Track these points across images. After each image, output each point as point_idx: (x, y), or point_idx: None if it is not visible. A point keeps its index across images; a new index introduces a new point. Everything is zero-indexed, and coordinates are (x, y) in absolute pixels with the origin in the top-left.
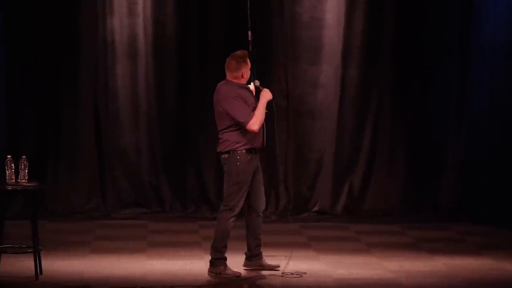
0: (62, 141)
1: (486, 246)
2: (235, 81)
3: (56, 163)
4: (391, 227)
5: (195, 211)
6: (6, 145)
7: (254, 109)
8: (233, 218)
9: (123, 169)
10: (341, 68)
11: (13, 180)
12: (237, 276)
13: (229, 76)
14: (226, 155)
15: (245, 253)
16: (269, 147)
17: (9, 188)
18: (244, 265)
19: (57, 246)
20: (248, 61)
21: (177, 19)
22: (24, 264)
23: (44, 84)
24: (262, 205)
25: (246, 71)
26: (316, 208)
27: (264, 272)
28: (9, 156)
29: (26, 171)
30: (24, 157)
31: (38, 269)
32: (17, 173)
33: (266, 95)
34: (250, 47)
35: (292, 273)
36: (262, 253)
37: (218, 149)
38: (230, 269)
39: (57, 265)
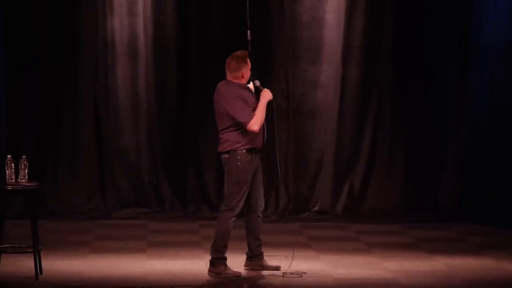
0: (62, 141)
1: (486, 246)
2: (236, 81)
3: (56, 163)
4: (391, 227)
5: (195, 211)
6: (6, 145)
7: (254, 109)
8: (234, 218)
9: (123, 169)
10: (341, 68)
11: (13, 180)
12: (237, 276)
13: (229, 76)
14: (226, 155)
15: (246, 253)
16: (269, 147)
17: (9, 188)
18: (245, 265)
19: (57, 246)
20: (248, 61)
21: (177, 19)
22: (24, 264)
23: (44, 84)
24: (261, 206)
25: (246, 71)
26: (316, 208)
27: (265, 272)
28: (9, 156)
29: (26, 171)
30: (24, 157)
31: (38, 269)
32: (17, 173)
33: (267, 95)
34: (250, 46)
35: (292, 273)
36: (263, 253)
37: (219, 149)
38: (230, 269)
39: (57, 265)
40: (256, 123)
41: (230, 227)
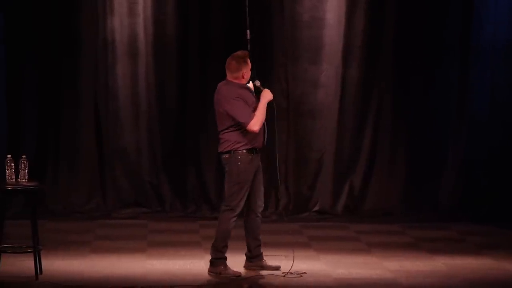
0: (62, 141)
1: (486, 245)
2: (236, 81)
3: (56, 163)
4: (391, 227)
5: (195, 210)
6: (6, 145)
7: (255, 109)
8: (235, 218)
9: (124, 169)
10: (341, 68)
11: (13, 180)
12: (237, 275)
13: (229, 77)
14: (227, 155)
15: (246, 254)
16: (270, 147)
17: (9, 187)
18: (245, 266)
19: (57, 245)
20: (249, 61)
21: (178, 19)
22: (24, 264)
23: (44, 84)
24: (261, 206)
25: (247, 72)
26: (316, 208)
27: (265, 272)
28: (9, 156)
29: (26, 170)
30: (24, 156)
31: (38, 269)
32: (17, 172)
33: (267, 95)
34: (249, 46)
35: (292, 273)
36: (263, 254)
37: (219, 150)
38: (230, 268)
39: (57, 264)
40: (256, 123)
41: (231, 227)
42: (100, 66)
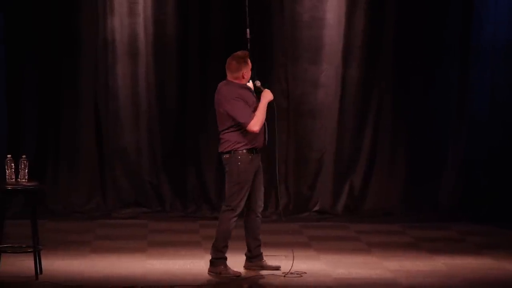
0: (62, 141)
1: (486, 245)
2: (236, 81)
3: (56, 163)
4: (391, 227)
5: (195, 210)
6: (6, 145)
7: (255, 109)
8: (235, 218)
9: (124, 169)
10: (341, 68)
11: (13, 180)
12: (237, 275)
13: (229, 77)
14: (227, 155)
15: (246, 254)
16: (270, 147)
17: (9, 187)
18: (245, 266)
19: (57, 245)
20: (249, 61)
21: (178, 19)
22: (24, 264)
23: (44, 84)
24: (261, 206)
25: (247, 72)
26: (316, 208)
27: (265, 272)
28: (9, 156)
29: (26, 170)
30: (24, 156)
31: (38, 269)
32: (17, 172)
33: (267, 95)
34: (249, 45)
35: (292, 273)
36: (263, 254)
37: (219, 150)
38: (230, 268)
39: (57, 264)
40: (256, 123)
41: (231, 227)
42: (100, 66)
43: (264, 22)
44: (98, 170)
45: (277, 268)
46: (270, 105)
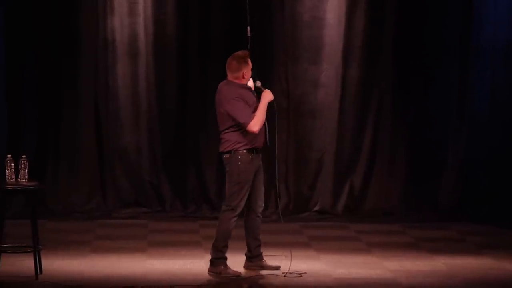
0: (62, 141)
1: (486, 245)
2: (236, 81)
3: (56, 163)
4: (391, 227)
5: (195, 210)
6: (6, 145)
7: (255, 109)
8: (235, 218)
9: (124, 169)
10: (341, 68)
11: (13, 180)
12: (237, 275)
13: (230, 77)
14: (227, 155)
15: (246, 254)
16: (270, 146)
17: (9, 187)
18: (245, 266)
19: (57, 245)
20: (249, 61)
21: (178, 19)
22: (24, 264)
23: (44, 84)
24: (261, 206)
25: (247, 72)
26: (316, 208)
27: (265, 272)
28: (9, 156)
29: (26, 170)
30: (24, 156)
31: (38, 269)
32: (17, 172)
33: (267, 96)
34: (249, 43)
35: (292, 273)
36: (263, 254)
37: (220, 149)
38: (230, 268)
39: (57, 264)
40: (256, 124)
41: (231, 227)
42: (100, 66)
43: (264, 22)
44: (98, 170)
45: (277, 268)
46: (270, 105)
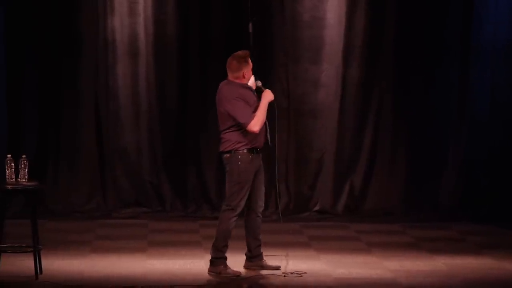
0: (63, 141)
1: (487, 245)
2: (237, 81)
3: (57, 163)
4: (391, 227)
5: (195, 210)
6: (6, 144)
7: (256, 109)
8: (235, 218)
9: (124, 169)
10: (342, 68)
11: (13, 180)
12: (237, 275)
13: (230, 76)
14: (227, 155)
15: (246, 254)
16: (272, 146)
17: (9, 187)
18: (245, 266)
19: (57, 245)
20: (250, 61)
21: (178, 19)
22: (24, 264)
23: (45, 83)
24: (261, 206)
25: (248, 71)
26: (317, 208)
27: (265, 272)
28: (9, 156)
29: (26, 170)
30: (24, 156)
31: (38, 269)
32: (17, 172)
33: (268, 96)
34: (251, 39)
35: (292, 273)
36: (263, 254)
37: (220, 149)
38: (230, 268)
39: (57, 264)
40: (256, 124)
41: (231, 226)
42: (100, 66)
43: (264, 22)
44: (99, 170)
45: (277, 268)
46: (270, 105)
